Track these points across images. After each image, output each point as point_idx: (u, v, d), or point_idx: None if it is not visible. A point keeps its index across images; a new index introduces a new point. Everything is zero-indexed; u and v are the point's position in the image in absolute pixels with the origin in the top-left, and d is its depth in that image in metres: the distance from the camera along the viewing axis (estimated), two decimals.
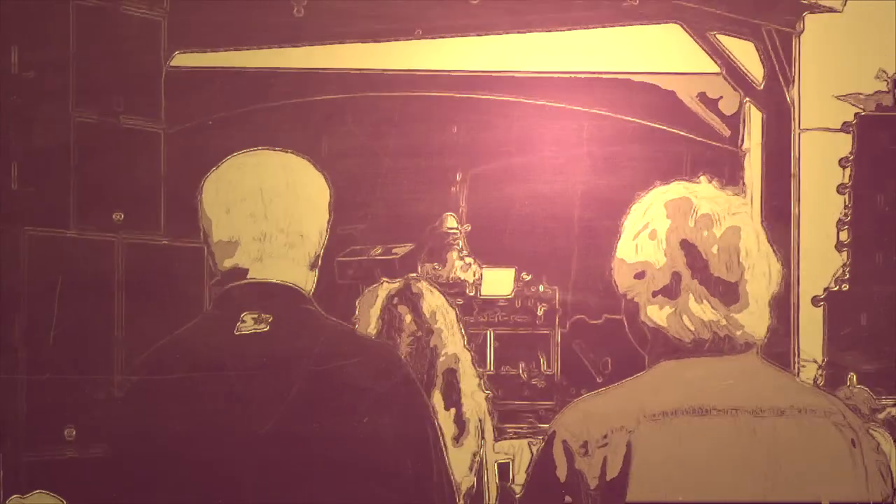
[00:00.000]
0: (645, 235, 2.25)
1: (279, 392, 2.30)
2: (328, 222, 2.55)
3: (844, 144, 4.95)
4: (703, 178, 2.32)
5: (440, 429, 2.47)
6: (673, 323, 2.21)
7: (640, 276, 2.25)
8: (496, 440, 4.87)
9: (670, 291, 2.22)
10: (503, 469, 4.69)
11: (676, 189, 2.30)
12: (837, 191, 4.91)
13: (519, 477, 4.71)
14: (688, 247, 2.22)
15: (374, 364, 2.36)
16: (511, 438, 4.88)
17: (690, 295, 2.20)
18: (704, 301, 2.20)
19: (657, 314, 2.22)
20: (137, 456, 2.37)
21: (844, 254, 4.90)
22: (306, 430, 2.28)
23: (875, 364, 4.66)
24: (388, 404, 2.34)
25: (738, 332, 2.21)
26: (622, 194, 4.84)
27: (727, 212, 2.24)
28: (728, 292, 2.20)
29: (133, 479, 2.37)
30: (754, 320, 2.22)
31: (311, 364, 2.32)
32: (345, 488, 2.31)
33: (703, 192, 2.28)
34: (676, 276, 2.21)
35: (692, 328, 2.20)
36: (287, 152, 2.55)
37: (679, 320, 2.21)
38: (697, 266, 2.21)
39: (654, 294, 2.23)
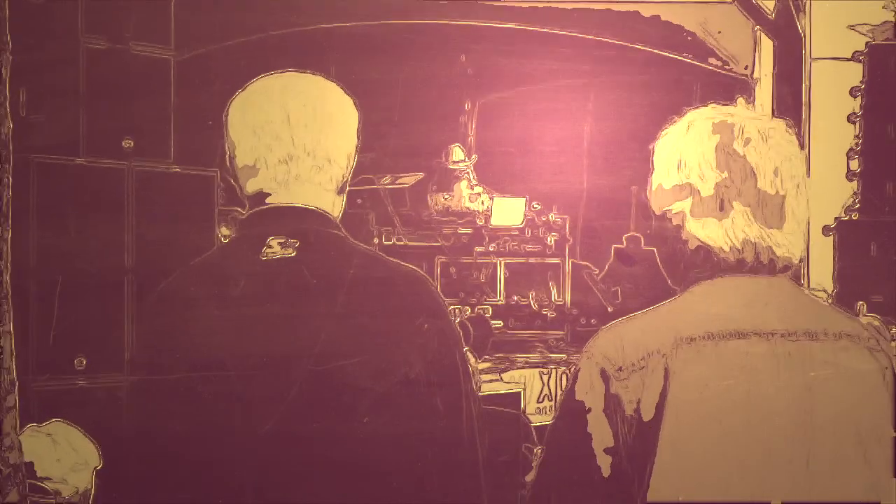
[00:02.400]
0: (690, 152, 2.23)
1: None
2: (356, 147, 2.51)
3: (856, 73, 4.91)
4: (740, 101, 2.31)
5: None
6: (717, 237, 2.20)
7: (684, 191, 2.23)
8: (506, 370, 4.87)
9: (714, 206, 2.20)
10: (514, 399, 4.69)
11: (714, 110, 2.28)
12: (848, 120, 4.88)
13: (530, 406, 4.70)
14: (735, 161, 2.20)
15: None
16: (521, 368, 4.88)
17: (735, 208, 2.18)
18: (748, 215, 2.18)
19: (700, 230, 2.21)
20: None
21: (855, 183, 4.88)
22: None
23: (885, 293, 4.65)
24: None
25: (779, 251, 2.19)
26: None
27: (772, 130, 2.23)
28: (772, 208, 2.19)
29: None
30: (794, 240, 2.21)
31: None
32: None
33: (745, 113, 2.26)
34: (721, 190, 2.19)
35: (737, 243, 2.19)
36: (315, 75, 2.50)
37: (724, 234, 2.19)
38: (744, 180, 2.19)
39: (698, 209, 2.21)
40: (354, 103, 2.51)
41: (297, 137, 2.43)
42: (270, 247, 2.40)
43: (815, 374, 2.16)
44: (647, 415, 2.13)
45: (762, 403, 2.14)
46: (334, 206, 2.48)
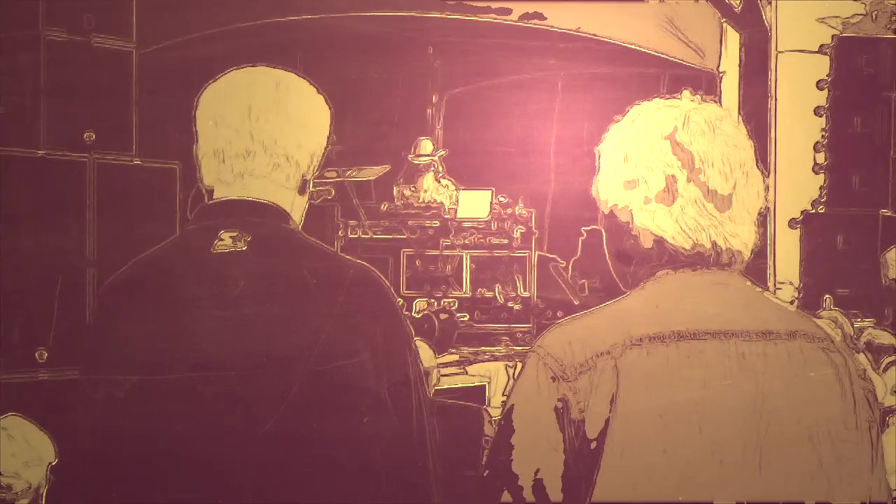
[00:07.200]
0: (636, 145, 2.21)
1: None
2: (324, 147, 2.48)
3: (822, 66, 4.92)
4: (685, 93, 2.29)
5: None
6: (667, 227, 2.17)
7: (631, 184, 2.21)
8: (472, 363, 4.87)
9: (663, 197, 2.18)
10: (479, 392, 4.69)
11: (659, 103, 2.27)
12: (815, 113, 4.89)
13: (495, 400, 4.70)
14: (682, 152, 2.18)
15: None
16: (487, 361, 4.88)
17: (684, 197, 2.16)
18: (699, 203, 2.16)
19: (650, 221, 2.18)
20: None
21: (821, 176, 4.90)
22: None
23: (851, 287, 4.67)
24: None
25: (734, 241, 2.17)
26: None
27: (718, 120, 2.21)
28: (721, 198, 2.18)
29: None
30: (745, 230, 2.19)
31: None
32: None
33: (690, 103, 2.25)
34: (672, 180, 2.17)
35: (689, 232, 2.16)
36: (287, 70, 2.47)
37: (674, 223, 2.17)
38: (692, 170, 2.17)
39: (646, 201, 2.19)
40: (326, 101, 2.48)
41: (256, 132, 2.40)
42: (222, 240, 2.37)
43: (768, 374, 2.13)
44: (595, 416, 2.10)
45: (714, 404, 2.11)
46: (294, 206, 2.45)
